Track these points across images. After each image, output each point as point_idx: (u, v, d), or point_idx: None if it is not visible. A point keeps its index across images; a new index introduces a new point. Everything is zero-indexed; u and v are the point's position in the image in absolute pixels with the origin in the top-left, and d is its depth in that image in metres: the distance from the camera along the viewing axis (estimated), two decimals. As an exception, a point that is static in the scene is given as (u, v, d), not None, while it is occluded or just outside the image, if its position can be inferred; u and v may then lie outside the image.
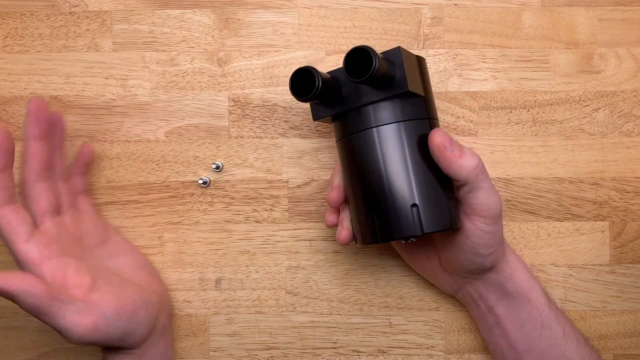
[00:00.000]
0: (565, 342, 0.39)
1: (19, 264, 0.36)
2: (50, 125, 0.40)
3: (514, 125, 0.45)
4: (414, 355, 0.45)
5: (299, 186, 0.45)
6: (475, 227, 0.37)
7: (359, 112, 0.36)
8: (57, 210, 0.39)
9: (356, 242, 0.38)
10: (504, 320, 0.40)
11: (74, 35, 0.46)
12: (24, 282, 0.33)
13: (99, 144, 0.45)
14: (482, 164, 0.36)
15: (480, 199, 0.36)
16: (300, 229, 0.45)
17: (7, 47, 0.46)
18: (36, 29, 0.46)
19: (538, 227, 0.45)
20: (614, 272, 0.45)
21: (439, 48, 0.45)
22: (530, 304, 0.40)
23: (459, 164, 0.35)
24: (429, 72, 0.45)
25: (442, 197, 0.36)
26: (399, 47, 0.35)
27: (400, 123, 0.36)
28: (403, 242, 0.37)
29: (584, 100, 0.45)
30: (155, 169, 0.45)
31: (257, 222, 0.45)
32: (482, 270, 0.39)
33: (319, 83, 0.35)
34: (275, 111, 0.45)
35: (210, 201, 0.45)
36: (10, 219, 0.36)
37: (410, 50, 0.45)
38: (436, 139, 0.35)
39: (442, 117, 0.45)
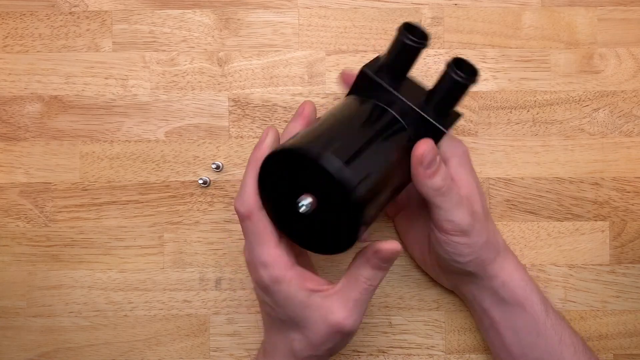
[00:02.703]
0: (561, 351, 0.39)
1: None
2: None
3: (514, 125, 0.45)
4: (414, 355, 0.45)
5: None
6: (446, 239, 0.37)
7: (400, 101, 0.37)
8: None
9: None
10: (498, 324, 0.40)
11: (74, 35, 0.46)
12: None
13: (99, 144, 0.45)
14: (448, 186, 0.36)
15: (442, 216, 0.36)
16: (300, 229, 0.45)
17: (7, 47, 0.46)
18: (36, 29, 0.46)
19: (538, 227, 0.45)
20: (614, 272, 0.45)
21: (439, 48, 0.45)
22: (526, 312, 0.39)
23: (424, 182, 0.35)
24: (430, 71, 0.45)
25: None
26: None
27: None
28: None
29: (584, 100, 0.45)
30: (155, 169, 0.45)
31: (257, 222, 0.45)
32: (467, 274, 0.39)
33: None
34: (275, 111, 0.45)
35: (210, 201, 0.45)
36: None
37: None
38: (419, 150, 0.35)
39: (442, 117, 0.45)
